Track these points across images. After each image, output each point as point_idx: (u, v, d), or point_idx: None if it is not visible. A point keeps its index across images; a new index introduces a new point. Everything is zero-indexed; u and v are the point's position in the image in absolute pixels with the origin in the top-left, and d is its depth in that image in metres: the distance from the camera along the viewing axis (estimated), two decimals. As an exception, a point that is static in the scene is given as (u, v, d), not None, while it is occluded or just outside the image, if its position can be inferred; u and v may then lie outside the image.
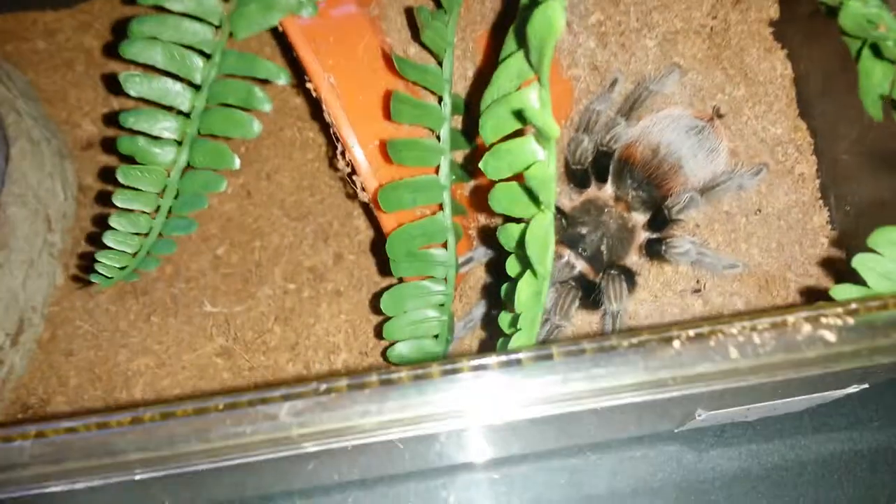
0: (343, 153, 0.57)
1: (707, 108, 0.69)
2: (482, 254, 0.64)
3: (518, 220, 0.47)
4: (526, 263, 0.45)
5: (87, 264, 0.66)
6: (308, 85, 0.56)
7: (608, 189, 0.66)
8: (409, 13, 0.65)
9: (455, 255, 0.59)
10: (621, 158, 0.65)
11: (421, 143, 0.57)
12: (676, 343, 0.36)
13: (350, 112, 0.56)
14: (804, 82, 0.70)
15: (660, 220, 0.63)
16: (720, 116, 0.68)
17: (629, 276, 0.62)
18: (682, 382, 0.36)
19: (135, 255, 0.62)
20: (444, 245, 0.59)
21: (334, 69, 0.56)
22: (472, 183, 0.66)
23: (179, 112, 0.59)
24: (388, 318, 0.59)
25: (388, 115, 0.54)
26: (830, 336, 0.36)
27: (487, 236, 0.65)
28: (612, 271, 0.60)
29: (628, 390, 0.36)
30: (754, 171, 0.64)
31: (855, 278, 0.45)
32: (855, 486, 0.67)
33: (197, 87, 0.58)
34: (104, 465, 0.34)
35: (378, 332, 0.66)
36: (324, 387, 0.35)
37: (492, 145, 0.46)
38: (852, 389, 0.58)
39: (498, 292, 0.55)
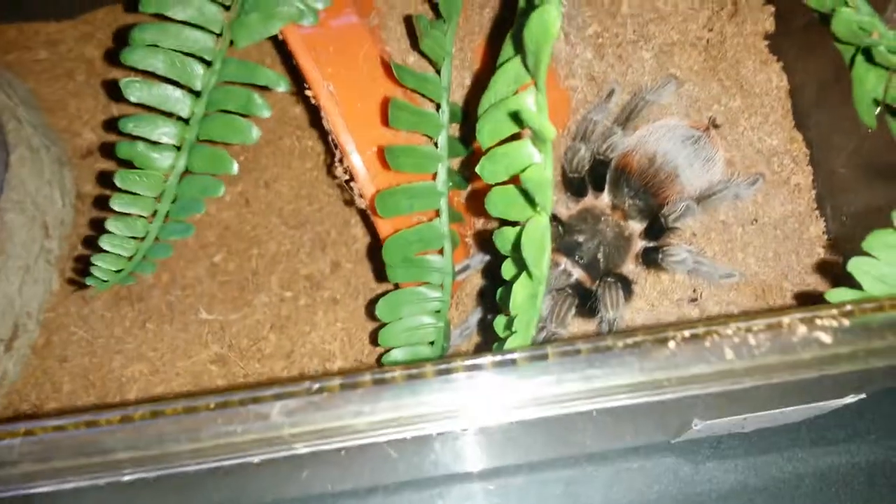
0: (341, 160, 0.58)
1: (703, 118, 0.70)
2: (478, 262, 0.64)
3: (514, 224, 0.47)
4: (522, 266, 0.45)
5: (82, 267, 0.66)
6: (307, 93, 0.57)
7: (605, 198, 0.66)
8: (409, 22, 0.66)
9: (451, 262, 0.59)
10: (618, 167, 0.65)
11: (419, 149, 0.57)
12: (672, 344, 0.36)
13: (348, 119, 0.57)
14: (799, 94, 0.71)
15: (656, 229, 0.63)
16: (716, 127, 0.69)
17: (626, 285, 0.62)
18: (678, 384, 0.36)
19: (131, 258, 0.62)
20: (441, 251, 0.59)
21: (334, 77, 0.56)
22: (468, 189, 0.66)
23: (179, 118, 0.59)
24: (383, 325, 0.59)
25: (386, 122, 0.55)
26: (826, 337, 0.36)
27: (484, 241, 0.65)
28: (609, 279, 0.60)
29: (624, 391, 0.36)
30: (750, 180, 0.64)
31: (851, 285, 0.44)
32: (853, 500, 0.66)
33: (197, 94, 0.59)
34: (93, 465, 0.34)
35: (374, 339, 0.66)
36: (316, 386, 0.35)
37: (488, 149, 0.46)
38: (849, 400, 0.58)
39: (494, 300, 0.55)
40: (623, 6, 0.72)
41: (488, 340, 0.65)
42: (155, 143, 0.59)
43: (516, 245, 0.45)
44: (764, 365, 0.36)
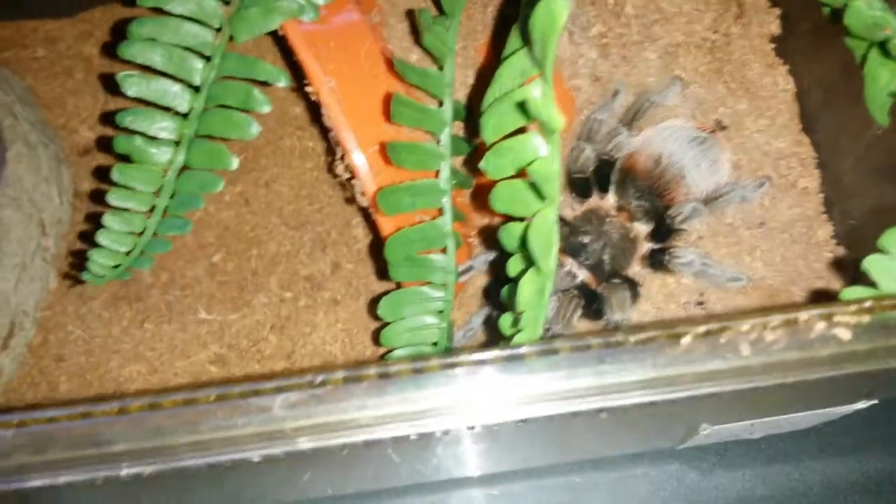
0: (342, 157, 0.57)
1: (709, 120, 0.69)
2: (481, 262, 0.63)
3: (520, 220, 0.46)
4: (528, 262, 0.44)
5: (79, 263, 0.65)
6: (308, 89, 0.56)
7: (610, 199, 0.66)
8: (411, 20, 0.65)
9: (454, 261, 0.58)
10: (623, 168, 0.64)
11: (421, 146, 0.56)
12: (686, 339, 0.35)
13: (350, 116, 0.56)
14: (806, 97, 0.70)
15: (663, 231, 0.63)
16: (722, 129, 0.68)
17: (632, 287, 0.61)
18: (692, 380, 0.35)
19: (128, 253, 0.61)
20: (444, 250, 0.58)
21: (335, 74, 0.56)
22: (472, 187, 0.65)
23: (177, 113, 0.58)
24: (385, 325, 0.58)
25: (388, 119, 0.54)
26: (845, 334, 0.35)
27: (488, 237, 0.64)
28: (615, 281, 0.59)
29: (636, 388, 0.35)
30: (757, 183, 0.63)
31: (866, 284, 0.43)
32: (861, 509, 0.65)
33: (196, 89, 0.58)
34: (89, 457, 0.33)
35: (375, 340, 0.65)
36: (319, 379, 0.34)
37: (493, 144, 0.45)
38: (860, 405, 0.57)
39: (498, 299, 0.54)
40: (627, 6, 0.72)
41: (492, 341, 0.63)
42: (153, 138, 0.58)
43: (523, 241, 0.44)
44: (780, 362, 0.35)
